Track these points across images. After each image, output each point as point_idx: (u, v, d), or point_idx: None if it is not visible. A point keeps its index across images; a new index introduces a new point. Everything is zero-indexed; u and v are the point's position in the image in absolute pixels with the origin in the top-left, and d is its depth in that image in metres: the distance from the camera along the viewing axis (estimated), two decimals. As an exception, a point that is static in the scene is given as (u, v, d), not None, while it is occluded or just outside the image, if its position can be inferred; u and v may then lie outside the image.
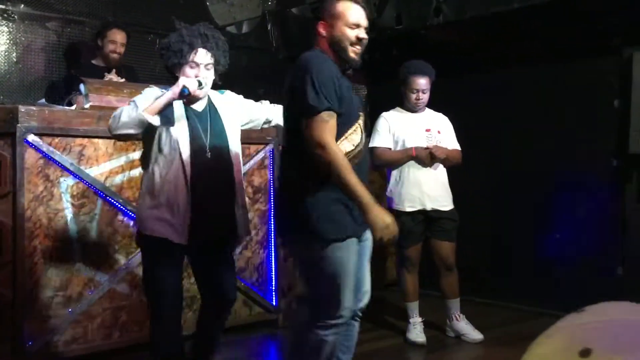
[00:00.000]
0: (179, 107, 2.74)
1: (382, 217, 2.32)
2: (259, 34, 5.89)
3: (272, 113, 3.08)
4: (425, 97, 3.96)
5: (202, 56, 2.71)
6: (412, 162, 3.92)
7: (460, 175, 4.11)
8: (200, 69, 2.70)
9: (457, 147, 4.06)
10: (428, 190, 3.90)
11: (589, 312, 0.78)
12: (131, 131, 2.63)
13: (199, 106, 2.82)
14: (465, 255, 4.23)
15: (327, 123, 2.34)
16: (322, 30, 2.52)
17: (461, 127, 4.19)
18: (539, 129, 4.80)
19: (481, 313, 4.41)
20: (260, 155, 4.23)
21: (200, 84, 2.69)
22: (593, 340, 0.73)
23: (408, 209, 3.91)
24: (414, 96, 3.94)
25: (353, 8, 2.51)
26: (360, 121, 2.54)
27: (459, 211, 4.03)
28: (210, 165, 2.73)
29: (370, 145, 4.09)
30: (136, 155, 3.71)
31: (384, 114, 4.08)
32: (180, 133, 2.69)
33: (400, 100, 4.04)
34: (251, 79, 5.72)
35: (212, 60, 2.74)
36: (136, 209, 2.94)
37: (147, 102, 2.62)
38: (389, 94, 4.38)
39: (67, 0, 4.81)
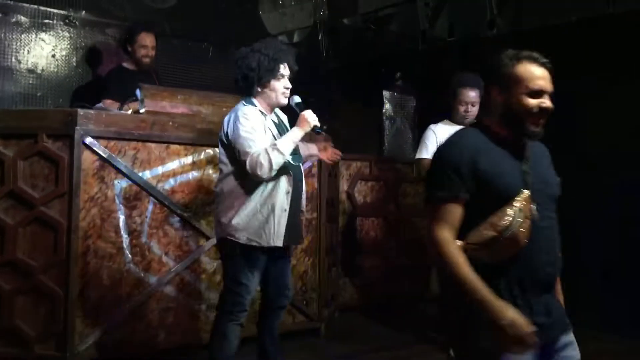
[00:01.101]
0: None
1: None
2: (310, 43, 5.93)
3: None
4: (474, 110, 3.91)
5: (287, 69, 3.03)
6: None
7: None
8: (285, 80, 3.01)
9: None
10: None
11: None
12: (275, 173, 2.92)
13: (273, 116, 3.10)
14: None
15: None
16: (497, 97, 2.07)
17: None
18: (592, 146, 4.68)
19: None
20: (308, 164, 4.25)
21: (300, 104, 3.10)
22: None
23: None
24: (462, 108, 3.91)
25: (535, 71, 2.09)
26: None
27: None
28: (296, 170, 3.06)
29: (417, 156, 4.07)
30: (188, 160, 3.79)
31: (432, 126, 4.05)
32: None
33: (450, 112, 4.00)
34: (301, 87, 5.76)
35: (289, 72, 3.04)
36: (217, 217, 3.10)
37: (289, 144, 2.91)
38: (438, 106, 4.34)
39: (126, 8, 4.95)
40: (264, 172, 2.83)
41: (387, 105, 6.30)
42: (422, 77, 6.06)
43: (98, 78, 4.73)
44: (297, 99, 3.11)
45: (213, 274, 3.84)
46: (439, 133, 3.98)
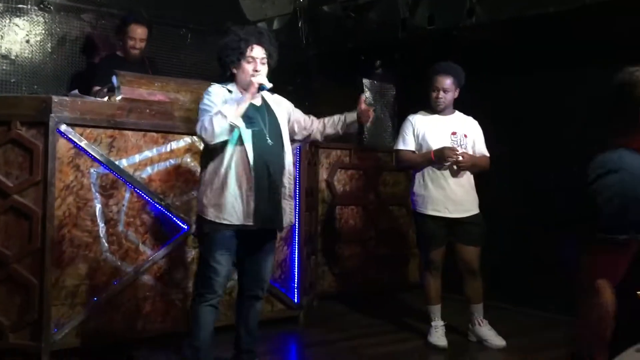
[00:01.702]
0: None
1: None
2: (290, 30, 5.89)
3: (314, 127, 3.28)
4: (447, 97, 3.91)
5: (258, 51, 2.97)
6: (436, 166, 3.88)
7: (489, 177, 4.07)
8: (256, 63, 2.96)
9: (485, 152, 4.01)
10: (452, 194, 3.87)
11: None
12: (226, 138, 2.86)
13: (256, 101, 3.04)
14: (489, 259, 4.19)
15: None
16: None
17: (491, 128, 4.12)
18: (568, 133, 4.73)
19: (504, 319, 4.35)
20: (296, 145, 4.21)
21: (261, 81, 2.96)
22: None
23: (431, 213, 3.88)
24: (434, 95, 3.92)
25: None
26: None
27: (487, 214, 3.99)
28: (272, 151, 2.98)
29: (395, 147, 4.09)
30: (165, 148, 3.75)
31: (410, 116, 4.06)
32: (242, 122, 2.91)
33: (428, 102, 4.01)
34: (281, 74, 5.72)
35: (266, 55, 3.00)
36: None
37: (232, 108, 2.84)
38: (418, 96, 4.34)
39: (102, -7, 4.87)
40: (207, 135, 2.82)
41: (367, 94, 6.29)
42: (402, 65, 6.06)
43: (92, 66, 4.67)
44: (266, 85, 2.98)
45: (191, 263, 3.82)
46: (416, 123, 3.99)
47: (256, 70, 2.96)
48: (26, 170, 3.35)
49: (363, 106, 3.23)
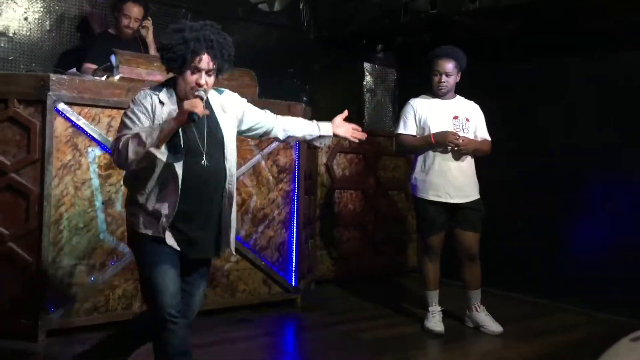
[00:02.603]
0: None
1: None
2: (291, 13, 5.84)
3: (275, 124, 2.80)
4: (449, 80, 3.89)
5: (205, 63, 2.46)
6: (438, 151, 3.87)
7: (488, 164, 4.05)
8: (201, 75, 2.46)
9: (487, 137, 3.99)
10: (453, 179, 3.85)
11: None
12: (142, 165, 2.39)
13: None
14: (488, 246, 4.18)
15: None
16: None
17: (492, 114, 4.10)
18: (568, 121, 4.71)
19: (502, 305, 4.36)
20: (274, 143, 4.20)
21: (202, 98, 2.44)
22: None
23: (432, 198, 3.87)
24: (436, 79, 3.89)
25: None
26: None
27: (485, 201, 3.98)
28: (207, 172, 2.49)
29: (396, 131, 4.06)
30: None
31: (411, 100, 4.03)
32: (173, 144, 2.41)
33: (429, 86, 3.98)
34: (281, 57, 5.69)
35: (214, 67, 2.49)
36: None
37: (153, 134, 2.33)
38: (419, 80, 4.31)
39: (102, -29, 4.81)
40: (120, 160, 2.37)
41: (368, 78, 6.25)
42: (404, 50, 6.02)
43: (85, 44, 4.63)
44: (199, 111, 2.36)
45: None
46: (417, 107, 3.96)
47: (199, 85, 2.45)
48: (23, 148, 3.33)
49: (352, 130, 2.84)
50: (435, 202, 3.87)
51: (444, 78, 3.88)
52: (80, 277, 3.45)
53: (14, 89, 3.35)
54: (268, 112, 2.81)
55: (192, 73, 2.45)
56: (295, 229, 4.31)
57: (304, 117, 4.10)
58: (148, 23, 4.54)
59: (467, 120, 3.92)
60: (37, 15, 4.59)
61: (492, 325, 3.91)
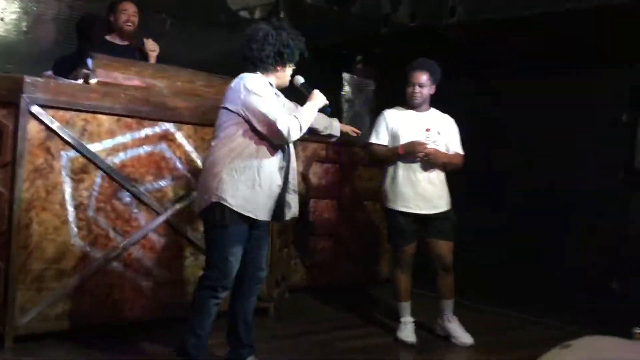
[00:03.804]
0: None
1: None
2: (271, 21, 5.85)
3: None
4: (422, 91, 3.91)
5: None
6: (407, 162, 3.88)
7: (460, 177, 4.09)
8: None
9: (459, 150, 4.02)
10: (422, 191, 3.87)
11: (573, 348, 0.77)
12: None
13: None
14: (463, 258, 4.22)
15: None
16: None
17: (468, 127, 4.13)
18: (546, 134, 4.79)
19: (472, 317, 4.39)
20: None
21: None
22: None
23: (401, 209, 3.89)
24: (410, 90, 3.92)
25: None
26: None
27: (460, 212, 4.01)
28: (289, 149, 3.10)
29: (369, 141, 4.07)
30: (140, 134, 3.70)
31: (385, 110, 4.07)
32: None
33: (404, 97, 4.01)
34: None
35: None
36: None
37: (310, 114, 3.04)
38: (397, 92, 4.34)
39: (80, -28, 4.79)
40: (293, 136, 2.91)
41: (347, 88, 6.29)
42: (383, 61, 6.07)
43: (80, 50, 4.58)
44: (300, 78, 3.18)
45: (162, 251, 3.78)
46: (390, 118, 3.99)
47: (290, 74, 3.13)
48: (-5, 150, 3.28)
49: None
50: (405, 213, 3.89)
51: (417, 89, 3.90)
52: (49, 281, 3.40)
53: (-13, 90, 3.31)
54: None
55: (292, 66, 3.12)
56: (270, 238, 4.29)
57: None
58: (156, 49, 4.45)
59: (439, 133, 3.95)
60: (13, 16, 4.55)
61: (463, 336, 3.94)
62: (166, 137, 3.79)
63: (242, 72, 3.04)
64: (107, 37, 4.41)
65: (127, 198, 3.65)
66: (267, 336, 3.93)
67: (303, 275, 5.22)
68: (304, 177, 5.19)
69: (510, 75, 5.02)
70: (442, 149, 3.94)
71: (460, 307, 4.18)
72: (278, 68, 3.04)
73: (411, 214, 3.89)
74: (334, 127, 3.44)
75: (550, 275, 4.67)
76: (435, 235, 3.92)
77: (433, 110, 4.04)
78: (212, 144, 3.04)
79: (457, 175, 4.02)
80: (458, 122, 4.06)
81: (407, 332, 3.95)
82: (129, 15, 4.31)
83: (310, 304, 4.87)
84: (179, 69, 4.02)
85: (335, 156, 5.41)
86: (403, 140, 3.90)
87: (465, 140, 4.04)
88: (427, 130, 3.93)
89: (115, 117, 3.60)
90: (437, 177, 3.94)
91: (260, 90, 2.92)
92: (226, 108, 2.98)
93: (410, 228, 3.92)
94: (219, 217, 2.91)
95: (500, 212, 5.00)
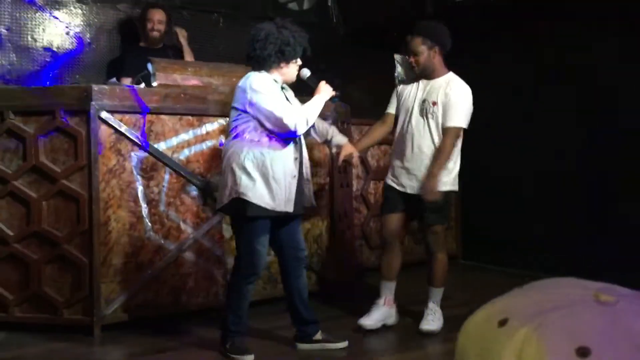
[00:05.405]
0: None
1: None
2: (320, 10, 5.95)
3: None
4: (419, 59, 3.55)
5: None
6: (405, 135, 3.63)
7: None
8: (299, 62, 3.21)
9: (450, 124, 3.52)
10: (409, 166, 3.63)
11: (526, 288, 0.82)
12: None
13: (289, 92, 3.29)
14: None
15: None
16: None
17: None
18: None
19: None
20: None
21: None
22: (512, 311, 0.77)
23: (389, 182, 3.72)
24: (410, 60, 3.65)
25: None
26: None
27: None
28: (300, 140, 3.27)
29: None
30: (201, 130, 3.90)
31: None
32: None
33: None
34: (312, 55, 5.79)
35: None
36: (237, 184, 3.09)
37: (317, 108, 3.20)
38: (449, 69, 4.32)
39: (136, -18, 5.02)
40: (300, 129, 3.08)
41: (399, 69, 6.29)
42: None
43: (120, 57, 4.87)
44: (307, 72, 3.32)
45: (230, 240, 3.97)
46: (400, 89, 3.79)
47: (297, 70, 3.26)
48: (71, 156, 3.55)
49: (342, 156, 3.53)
50: (391, 187, 3.70)
51: (412, 58, 3.59)
52: (130, 274, 3.65)
53: (59, 101, 3.57)
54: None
55: (296, 62, 3.23)
56: (332, 222, 4.42)
57: (335, 111, 4.25)
58: (183, 32, 4.74)
59: (434, 104, 3.55)
60: (78, 29, 4.83)
61: (423, 323, 3.61)
62: (225, 131, 3.95)
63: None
64: (140, 44, 4.70)
65: (195, 192, 3.86)
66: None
67: (368, 257, 5.32)
68: (362, 160, 5.27)
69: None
70: (439, 121, 3.54)
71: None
72: (282, 65, 3.15)
73: (400, 191, 3.68)
74: (335, 139, 3.49)
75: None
76: (425, 217, 3.66)
77: (442, 78, 3.60)
78: (226, 142, 3.24)
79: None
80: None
81: (370, 314, 3.63)
82: (154, 23, 4.57)
83: (375, 284, 4.93)
84: (233, 66, 4.18)
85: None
86: (402, 112, 3.68)
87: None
88: (423, 101, 3.58)
89: (177, 116, 3.81)
90: (429, 152, 3.59)
91: (265, 89, 3.06)
92: (235, 107, 3.15)
93: (395, 197, 3.70)
94: (242, 211, 3.09)
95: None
